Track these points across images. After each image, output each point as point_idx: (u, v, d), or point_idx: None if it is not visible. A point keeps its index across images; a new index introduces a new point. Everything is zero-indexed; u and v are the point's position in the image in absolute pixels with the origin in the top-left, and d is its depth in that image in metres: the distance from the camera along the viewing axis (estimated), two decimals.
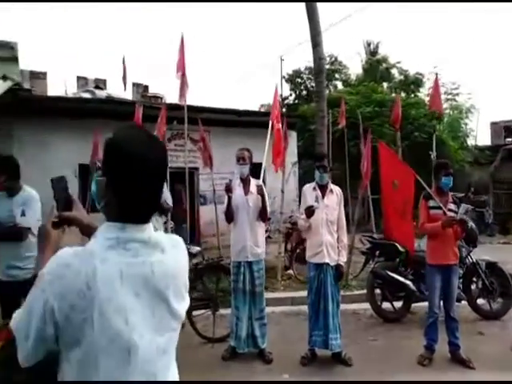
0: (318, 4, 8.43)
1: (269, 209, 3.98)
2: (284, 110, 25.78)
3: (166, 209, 4.15)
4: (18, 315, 1.07)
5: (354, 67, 26.31)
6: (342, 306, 5.11)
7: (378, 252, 5.21)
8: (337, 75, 26.37)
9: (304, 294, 6.09)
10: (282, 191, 6.98)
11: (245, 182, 4.00)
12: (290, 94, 28.30)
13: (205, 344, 4.37)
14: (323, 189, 3.83)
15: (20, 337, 1.03)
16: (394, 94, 18.92)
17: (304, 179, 12.05)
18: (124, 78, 7.71)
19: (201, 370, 3.77)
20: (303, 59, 28.10)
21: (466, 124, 18.07)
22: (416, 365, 3.83)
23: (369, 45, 24.65)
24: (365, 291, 5.44)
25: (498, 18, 45.14)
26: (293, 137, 11.09)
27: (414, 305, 5.12)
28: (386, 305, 5.21)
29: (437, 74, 7.14)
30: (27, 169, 7.52)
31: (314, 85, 28.35)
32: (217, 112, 9.34)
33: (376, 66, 22.08)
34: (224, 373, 3.74)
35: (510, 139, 18.85)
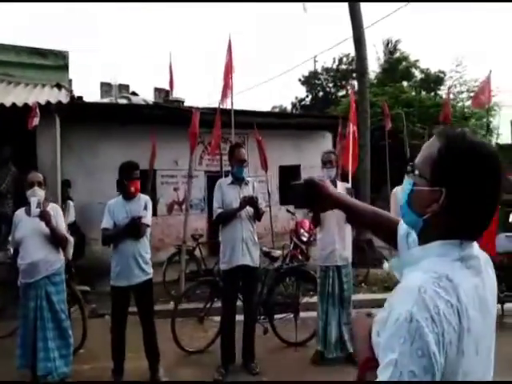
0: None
1: None
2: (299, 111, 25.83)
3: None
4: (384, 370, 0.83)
5: (372, 66, 26.16)
6: None
7: None
8: (354, 75, 26.27)
9: (370, 296, 6.06)
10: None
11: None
12: (307, 96, 28.27)
13: (287, 348, 4.37)
14: None
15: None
16: (413, 93, 18.83)
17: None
18: (171, 83, 7.76)
19: (292, 374, 3.78)
20: (320, 61, 27.94)
21: (490, 122, 17.89)
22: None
23: (387, 44, 24.53)
24: None
25: None
26: (328, 138, 11.08)
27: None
28: None
29: (490, 71, 7.11)
30: (74, 172, 7.74)
31: (330, 85, 28.18)
32: (255, 115, 9.35)
33: (396, 65, 21.95)
34: (317, 376, 3.73)
35: None
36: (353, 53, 26.12)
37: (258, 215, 3.84)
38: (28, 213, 3.33)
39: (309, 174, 10.73)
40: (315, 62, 25.41)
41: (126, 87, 18.37)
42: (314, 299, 4.65)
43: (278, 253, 4.51)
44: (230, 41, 7.05)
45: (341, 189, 3.97)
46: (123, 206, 3.62)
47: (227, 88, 6.95)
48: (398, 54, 22.74)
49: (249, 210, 3.78)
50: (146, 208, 3.59)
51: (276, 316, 4.41)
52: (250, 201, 3.69)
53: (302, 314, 4.53)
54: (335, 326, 3.91)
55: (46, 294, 3.42)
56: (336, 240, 3.89)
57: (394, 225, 1.23)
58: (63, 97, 5.81)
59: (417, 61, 21.64)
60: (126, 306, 3.64)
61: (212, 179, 8.57)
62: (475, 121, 16.84)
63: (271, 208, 7.06)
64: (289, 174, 10.59)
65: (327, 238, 3.91)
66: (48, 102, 5.38)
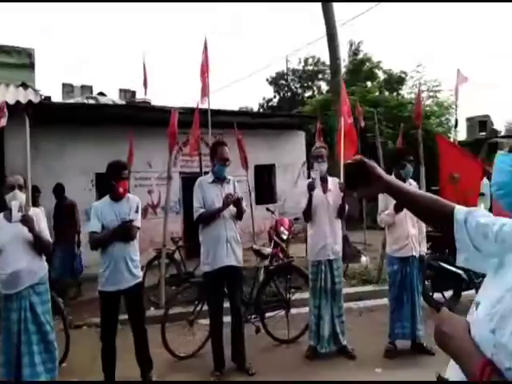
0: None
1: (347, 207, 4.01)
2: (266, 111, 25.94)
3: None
4: None
5: None
6: (382, 301, 5.20)
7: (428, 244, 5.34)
8: (320, 75, 26.72)
9: (350, 290, 6.13)
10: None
11: (322, 180, 3.98)
12: (274, 96, 28.48)
13: (278, 345, 4.35)
14: (404, 183, 3.91)
15: None
16: (377, 93, 19.42)
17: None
18: (145, 83, 7.53)
19: (288, 371, 3.76)
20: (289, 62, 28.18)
21: (448, 120, 18.78)
22: None
23: (351, 45, 25.15)
24: None
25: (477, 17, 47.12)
26: (301, 136, 11.19)
27: None
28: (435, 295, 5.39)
29: (458, 70, 7.39)
30: (42, 176, 7.32)
31: (297, 86, 28.46)
32: (231, 114, 9.30)
33: (359, 67, 22.53)
34: (313, 371, 3.73)
35: (483, 133, 19.92)
36: (318, 54, 26.50)
37: (240, 214, 3.79)
38: (8, 218, 3.10)
39: (284, 172, 10.84)
40: (287, 61, 25.57)
41: (89, 88, 17.78)
42: (302, 295, 4.67)
43: (268, 250, 4.49)
44: (205, 41, 6.98)
45: (332, 184, 3.99)
46: (111, 207, 3.46)
47: (205, 87, 6.86)
48: (361, 56, 23.37)
49: (231, 209, 3.72)
50: (137, 210, 3.46)
51: (267, 314, 4.38)
52: (235, 201, 3.63)
53: (291, 311, 4.53)
54: (328, 320, 3.93)
55: (30, 304, 3.17)
56: (328, 234, 3.91)
57: (449, 209, 1.14)
58: (33, 96, 5.50)
59: (379, 62, 22.34)
60: (115, 312, 3.48)
61: (187, 181, 8.41)
62: (435, 118, 17.61)
63: (251, 207, 7.02)
64: (263, 173, 10.61)
65: (319, 232, 3.92)
66: (17, 102, 5.07)
